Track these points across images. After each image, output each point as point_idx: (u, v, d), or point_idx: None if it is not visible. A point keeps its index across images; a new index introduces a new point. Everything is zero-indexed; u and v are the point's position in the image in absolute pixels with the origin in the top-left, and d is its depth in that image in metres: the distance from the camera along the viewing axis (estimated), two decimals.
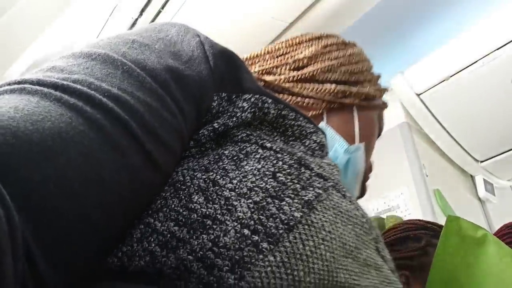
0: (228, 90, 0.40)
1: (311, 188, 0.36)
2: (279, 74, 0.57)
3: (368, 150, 0.63)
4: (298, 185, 0.35)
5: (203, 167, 0.35)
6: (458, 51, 1.50)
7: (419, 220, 1.03)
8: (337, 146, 0.58)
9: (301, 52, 0.58)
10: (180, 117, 0.35)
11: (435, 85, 1.57)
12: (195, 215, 0.31)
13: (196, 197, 0.33)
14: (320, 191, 0.36)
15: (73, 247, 0.26)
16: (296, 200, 0.34)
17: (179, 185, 0.34)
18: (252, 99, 0.40)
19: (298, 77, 0.56)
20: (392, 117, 1.72)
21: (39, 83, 0.29)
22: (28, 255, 0.23)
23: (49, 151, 0.25)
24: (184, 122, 0.36)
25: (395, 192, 1.60)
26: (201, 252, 0.29)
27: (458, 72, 1.51)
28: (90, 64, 0.33)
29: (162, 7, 1.13)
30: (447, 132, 1.69)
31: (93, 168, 0.27)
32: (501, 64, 1.44)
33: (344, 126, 0.59)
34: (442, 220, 1.41)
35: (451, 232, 0.50)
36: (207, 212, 0.31)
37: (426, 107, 1.63)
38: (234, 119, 0.39)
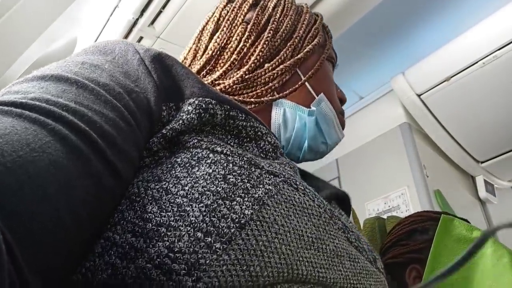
0: (174, 99, 0.42)
1: (261, 185, 0.37)
2: (223, 83, 0.57)
3: (329, 87, 0.64)
4: (248, 184, 0.36)
5: (156, 177, 0.36)
6: (458, 52, 1.49)
7: (425, 211, 1.02)
8: (299, 114, 0.59)
9: (232, 47, 0.58)
10: (136, 128, 0.37)
11: (435, 86, 1.57)
12: (150, 225, 0.32)
13: (150, 207, 0.34)
14: (270, 187, 0.37)
15: (47, 249, 0.27)
16: (246, 199, 0.35)
17: (134, 197, 0.35)
18: (196, 102, 0.41)
19: (243, 77, 0.56)
20: (392, 117, 1.72)
21: None
22: (13, 259, 0.23)
23: (21, 160, 0.26)
24: (140, 132, 0.37)
25: (395, 193, 1.60)
26: (158, 259, 0.30)
27: (458, 72, 1.51)
28: (44, 84, 0.34)
29: (163, 7, 1.13)
30: (448, 132, 1.69)
31: (62, 174, 0.28)
32: (502, 64, 1.43)
33: (298, 92, 0.60)
34: None
35: (445, 232, 0.50)
36: (161, 220, 0.32)
37: (427, 107, 1.63)
38: (180, 121, 0.40)
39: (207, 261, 0.30)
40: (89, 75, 0.37)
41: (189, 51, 0.62)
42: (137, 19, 1.14)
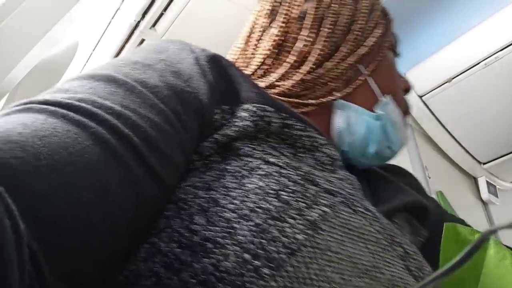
0: (228, 102, 0.40)
1: (317, 206, 0.34)
2: (283, 85, 0.53)
3: (394, 83, 0.58)
4: (302, 204, 0.34)
5: (206, 184, 0.35)
6: (460, 53, 1.49)
7: None
8: (365, 118, 0.54)
9: (291, 52, 0.53)
10: (183, 132, 0.36)
11: (437, 87, 1.57)
12: (197, 238, 0.31)
13: (198, 218, 0.32)
14: (326, 209, 0.35)
15: (79, 258, 0.26)
16: (299, 221, 0.33)
17: (182, 204, 0.34)
18: (252, 108, 0.40)
19: (303, 79, 0.52)
20: None
21: (45, 102, 0.30)
22: (36, 264, 0.23)
23: (56, 165, 0.25)
24: (187, 136, 0.36)
25: None
26: (203, 276, 0.29)
27: (460, 73, 1.51)
28: (93, 84, 0.34)
29: (164, 10, 1.13)
30: (450, 134, 1.68)
31: (98, 180, 0.27)
32: (504, 65, 1.43)
33: (362, 93, 0.55)
34: None
35: (449, 239, 0.50)
36: (208, 235, 0.31)
37: (429, 109, 1.63)
38: (235, 128, 0.38)
39: (254, 286, 0.29)
40: (139, 76, 0.36)
41: (238, 50, 0.57)
42: (139, 22, 1.14)
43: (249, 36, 0.56)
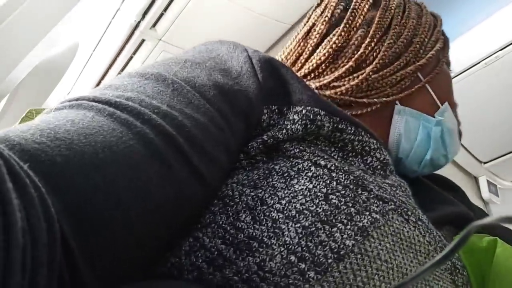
0: (278, 102, 0.39)
1: (367, 213, 0.33)
2: (339, 87, 0.52)
3: (450, 94, 0.59)
4: (352, 209, 0.33)
5: (252, 183, 0.35)
6: (460, 52, 1.49)
7: None
8: (424, 123, 0.53)
9: (352, 53, 0.53)
10: (228, 131, 0.36)
11: None
12: (242, 235, 0.31)
13: (244, 216, 0.32)
14: (378, 216, 0.34)
15: (116, 255, 0.26)
16: (348, 226, 0.32)
17: (228, 201, 0.34)
18: (304, 111, 0.39)
19: (359, 84, 0.51)
20: None
21: (95, 99, 0.31)
22: (72, 263, 0.23)
23: (100, 163, 0.26)
24: (232, 135, 0.36)
25: None
26: (246, 274, 0.29)
27: (460, 73, 1.51)
28: (143, 82, 0.34)
29: (164, 10, 1.13)
30: None
31: (140, 180, 0.28)
32: (504, 64, 1.43)
33: (420, 100, 0.54)
34: None
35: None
36: (254, 234, 0.31)
37: None
38: (284, 131, 0.38)
39: None
40: (187, 75, 0.36)
41: (290, 52, 0.56)
42: (139, 22, 1.14)
43: (305, 40, 0.56)
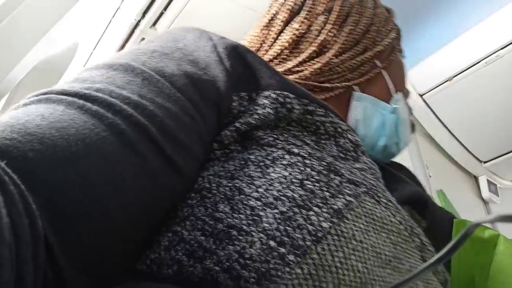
0: (247, 89, 0.40)
1: (341, 196, 0.34)
2: (302, 71, 0.54)
3: (404, 86, 0.62)
4: (327, 193, 0.34)
5: (228, 174, 0.35)
6: (460, 51, 1.49)
7: None
8: (381, 110, 0.56)
9: (314, 38, 0.55)
10: (200, 120, 0.36)
11: (438, 86, 1.57)
12: (221, 225, 0.31)
13: (222, 206, 0.32)
14: (351, 199, 0.35)
15: (96, 250, 0.26)
16: (324, 209, 0.33)
17: (205, 193, 0.34)
18: (273, 95, 0.39)
19: (321, 67, 0.54)
20: None
21: (63, 93, 0.30)
22: (52, 259, 0.23)
23: (73, 156, 0.26)
24: (204, 124, 0.36)
25: None
26: (227, 263, 0.29)
27: (461, 72, 1.51)
28: (111, 73, 0.34)
29: (165, 9, 1.13)
30: (450, 132, 1.68)
31: (115, 172, 0.28)
32: (505, 64, 1.43)
33: (377, 87, 0.57)
34: None
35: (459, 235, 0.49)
36: (233, 223, 0.31)
37: (429, 107, 1.63)
38: (256, 116, 0.38)
39: (279, 273, 0.29)
40: (156, 65, 0.36)
41: (253, 40, 0.59)
42: (139, 21, 1.14)
43: (268, 27, 0.58)
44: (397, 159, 1.76)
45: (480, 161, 1.80)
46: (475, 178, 1.91)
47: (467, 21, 1.47)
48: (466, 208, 1.71)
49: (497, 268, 0.44)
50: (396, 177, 0.59)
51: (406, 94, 0.64)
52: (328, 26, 0.55)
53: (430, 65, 1.57)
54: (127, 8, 1.11)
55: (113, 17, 1.13)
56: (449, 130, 1.68)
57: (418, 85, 1.61)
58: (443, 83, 1.55)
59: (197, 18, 1.11)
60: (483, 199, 1.87)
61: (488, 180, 1.85)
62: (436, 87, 1.57)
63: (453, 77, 1.53)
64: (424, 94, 1.61)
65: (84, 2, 1.00)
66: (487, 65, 1.45)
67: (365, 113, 0.55)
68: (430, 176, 1.57)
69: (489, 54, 1.43)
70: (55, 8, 0.97)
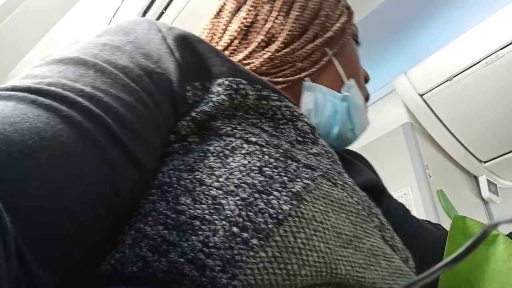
0: (200, 78, 0.40)
1: (299, 179, 0.35)
2: (252, 62, 0.55)
3: (357, 68, 0.62)
4: (285, 178, 0.35)
5: (189, 166, 0.35)
6: (461, 51, 1.49)
7: (425, 221, 1.02)
8: (332, 99, 0.57)
9: (262, 27, 0.56)
10: (156, 110, 0.35)
11: (438, 86, 1.57)
12: (184, 217, 0.31)
13: (183, 199, 0.32)
14: (309, 182, 0.35)
15: (60, 244, 0.26)
16: (284, 193, 0.33)
17: (166, 187, 0.33)
18: (226, 82, 0.40)
19: (271, 57, 0.54)
20: (395, 117, 1.72)
21: (13, 88, 0.30)
22: (19, 254, 0.22)
23: (29, 150, 0.25)
24: (161, 115, 0.36)
25: (398, 193, 1.59)
26: (192, 254, 0.29)
27: (461, 72, 1.51)
28: (62, 68, 0.33)
29: (165, 8, 1.13)
30: (450, 132, 1.68)
31: (73, 164, 0.27)
32: (505, 63, 1.43)
33: (328, 75, 0.58)
34: (445, 221, 1.40)
35: (457, 231, 0.49)
36: (195, 213, 0.31)
37: (429, 107, 1.63)
38: (211, 104, 0.38)
39: (243, 258, 0.29)
40: (109, 57, 0.35)
41: (203, 32, 0.59)
42: None
43: (217, 19, 0.58)
44: (398, 160, 1.75)
45: (480, 161, 1.80)
46: (475, 178, 1.91)
47: (467, 21, 1.47)
48: (466, 208, 1.71)
49: (496, 268, 0.44)
50: (354, 165, 0.60)
51: (364, 77, 0.63)
52: (274, 14, 0.55)
53: (430, 65, 1.57)
54: (127, 8, 1.11)
55: (113, 17, 1.13)
56: (449, 130, 1.68)
57: (418, 85, 1.61)
58: (443, 83, 1.55)
59: (197, 18, 1.11)
60: (483, 199, 1.87)
61: (488, 180, 1.85)
62: (436, 87, 1.57)
63: (453, 77, 1.53)
64: (424, 94, 1.61)
65: (84, 2, 1.00)
66: (487, 65, 1.45)
67: (316, 103, 0.56)
68: (430, 176, 1.57)
69: (489, 54, 1.43)
70: (55, 8, 0.97)
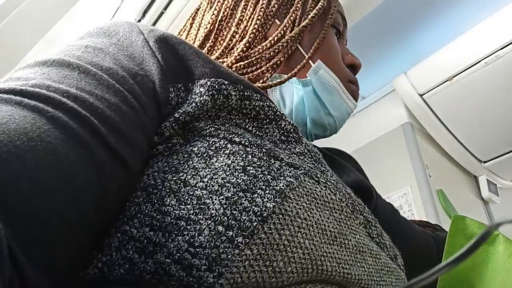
0: (182, 79, 0.40)
1: (282, 178, 0.35)
2: (227, 59, 0.55)
3: (330, 54, 0.59)
4: (269, 176, 0.35)
5: (173, 168, 0.35)
6: (461, 51, 1.49)
7: (424, 221, 1.02)
8: (295, 86, 0.56)
9: (232, 25, 0.56)
10: (141, 112, 0.35)
11: (438, 85, 1.57)
12: (169, 218, 0.31)
13: (169, 200, 0.32)
14: (292, 180, 0.36)
15: (52, 245, 0.26)
16: (268, 191, 0.33)
17: (151, 189, 0.34)
18: (208, 83, 0.40)
19: (244, 51, 0.54)
20: (395, 117, 1.72)
21: None
22: (11, 255, 0.22)
23: (17, 150, 0.25)
24: (146, 116, 0.36)
25: (398, 193, 1.59)
26: (178, 254, 0.29)
27: (461, 72, 1.51)
28: (46, 70, 0.33)
29: (165, 8, 1.13)
30: (450, 132, 1.68)
31: (62, 164, 0.27)
32: (504, 63, 1.43)
33: (293, 63, 0.57)
34: (445, 221, 1.40)
35: (457, 231, 0.49)
36: (180, 214, 0.31)
37: (429, 107, 1.63)
38: (194, 105, 0.38)
39: (229, 256, 0.29)
40: (92, 59, 0.36)
41: (180, 32, 0.60)
42: (139, 21, 1.14)
43: (192, 18, 0.60)
44: (398, 159, 1.75)
45: (480, 161, 1.81)
46: (475, 178, 1.91)
47: (467, 21, 1.47)
48: (466, 208, 1.71)
49: (496, 268, 0.44)
50: (341, 165, 0.60)
51: (351, 60, 0.61)
52: (242, 4, 0.55)
53: (430, 65, 1.57)
54: (127, 8, 1.11)
55: (113, 16, 1.13)
56: (449, 130, 1.68)
57: (418, 85, 1.61)
58: (443, 83, 1.55)
59: None
60: (483, 199, 1.87)
61: (488, 180, 1.85)
62: (436, 87, 1.58)
63: (453, 77, 1.53)
64: (424, 94, 1.61)
65: (84, 2, 1.00)
66: (487, 65, 1.45)
67: (281, 93, 0.56)
68: (430, 176, 1.57)
69: (489, 54, 1.43)
70: (55, 8, 0.97)
